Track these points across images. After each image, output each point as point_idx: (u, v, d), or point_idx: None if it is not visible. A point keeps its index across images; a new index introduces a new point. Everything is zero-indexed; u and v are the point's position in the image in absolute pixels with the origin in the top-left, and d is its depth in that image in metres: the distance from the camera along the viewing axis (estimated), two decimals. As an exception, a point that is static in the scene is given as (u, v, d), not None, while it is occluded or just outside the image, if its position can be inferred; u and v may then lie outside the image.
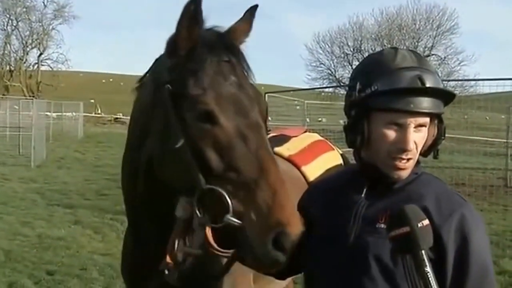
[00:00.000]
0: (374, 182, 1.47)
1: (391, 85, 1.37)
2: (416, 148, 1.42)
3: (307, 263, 1.48)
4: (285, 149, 2.56)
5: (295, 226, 1.31)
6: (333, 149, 2.93)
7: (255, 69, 1.54)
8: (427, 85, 1.36)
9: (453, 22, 35.48)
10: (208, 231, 1.43)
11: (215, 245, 1.43)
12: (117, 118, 39.64)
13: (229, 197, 1.32)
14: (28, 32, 45.20)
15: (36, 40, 45.48)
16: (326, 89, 32.85)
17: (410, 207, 1.24)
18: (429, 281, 1.17)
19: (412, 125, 1.39)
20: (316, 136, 3.03)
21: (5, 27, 44.34)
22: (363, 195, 1.48)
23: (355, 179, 1.52)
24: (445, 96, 1.45)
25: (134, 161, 1.66)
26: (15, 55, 45.81)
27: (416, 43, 35.31)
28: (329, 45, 37.52)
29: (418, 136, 1.41)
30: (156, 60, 1.65)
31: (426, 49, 35.25)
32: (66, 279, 5.10)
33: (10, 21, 44.39)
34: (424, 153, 1.49)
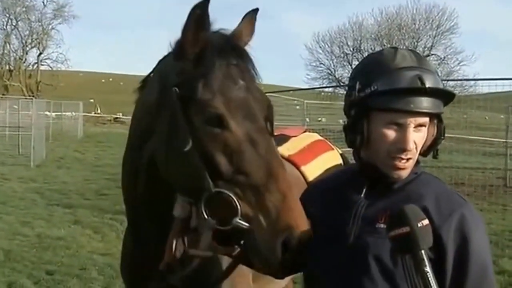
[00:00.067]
0: (374, 182, 1.47)
1: (391, 85, 1.37)
2: (416, 148, 1.42)
3: (306, 262, 1.48)
4: (284, 149, 2.56)
5: (304, 230, 1.31)
6: (333, 149, 2.93)
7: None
8: (427, 85, 1.36)
9: (452, 22, 35.58)
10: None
11: (219, 246, 1.43)
12: (116, 118, 39.64)
13: (237, 200, 1.33)
14: (27, 32, 45.28)
15: (35, 39, 45.49)
16: (326, 89, 32.91)
17: (409, 207, 1.24)
18: (429, 281, 1.17)
19: (412, 125, 1.39)
20: (315, 136, 3.03)
21: (4, 27, 44.42)
22: (362, 195, 1.48)
23: (355, 179, 1.52)
24: (445, 96, 1.45)
25: (135, 160, 1.65)
26: (14, 54, 45.88)
27: (416, 43, 35.34)
28: (329, 45, 37.59)
29: (417, 136, 1.41)
30: (162, 60, 1.64)
31: (426, 49, 35.29)
32: (65, 279, 5.10)
33: (9, 21, 44.46)
34: (423, 153, 1.49)
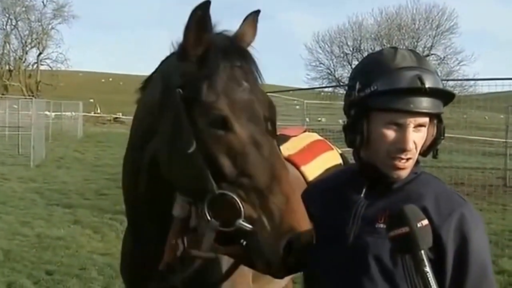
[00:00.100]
0: (374, 182, 1.47)
1: (391, 85, 1.37)
2: (416, 148, 1.42)
3: (306, 262, 1.48)
4: (284, 149, 2.55)
5: (307, 232, 1.31)
6: (333, 149, 2.93)
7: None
8: (427, 85, 1.35)
9: (452, 22, 35.61)
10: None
11: (220, 247, 1.44)
12: (116, 117, 39.64)
13: (241, 202, 1.33)
14: (27, 32, 45.26)
15: (35, 39, 45.48)
16: (326, 89, 32.89)
17: (409, 207, 1.24)
18: (429, 281, 1.17)
19: (412, 125, 1.39)
20: (315, 136, 3.03)
21: (4, 27, 44.40)
22: (362, 195, 1.48)
23: (355, 178, 1.52)
24: (444, 96, 1.44)
25: (137, 160, 1.65)
26: (14, 54, 45.86)
27: (416, 43, 35.35)
28: (329, 44, 37.61)
29: (417, 136, 1.41)
30: (165, 60, 1.64)
31: (426, 49, 35.31)
32: (65, 279, 5.10)
33: (9, 21, 44.44)
34: (423, 153, 1.49)
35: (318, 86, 32.95)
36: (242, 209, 1.32)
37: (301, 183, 2.35)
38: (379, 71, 1.40)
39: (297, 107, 14.13)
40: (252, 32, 1.63)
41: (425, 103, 1.37)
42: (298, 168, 2.49)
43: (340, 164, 2.77)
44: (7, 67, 44.87)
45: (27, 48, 45.74)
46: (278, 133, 2.91)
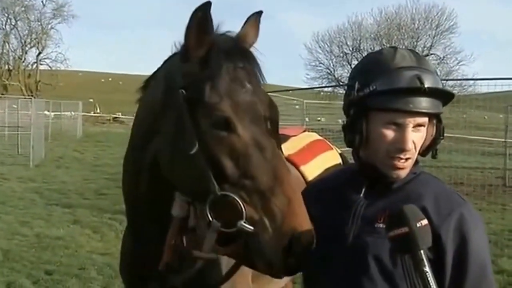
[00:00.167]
0: (373, 181, 1.47)
1: (390, 84, 1.37)
2: (415, 148, 1.42)
3: (309, 265, 1.48)
4: (283, 149, 2.55)
5: (309, 234, 1.31)
6: (332, 149, 2.93)
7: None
8: (426, 85, 1.35)
9: (452, 22, 35.64)
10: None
11: (220, 248, 1.44)
12: (116, 117, 39.64)
13: (242, 203, 1.33)
14: (26, 31, 45.21)
15: (35, 39, 45.44)
16: (325, 89, 32.88)
17: (409, 207, 1.24)
18: (428, 281, 1.17)
19: (411, 125, 1.39)
20: (315, 136, 3.03)
21: (3, 26, 44.36)
22: (362, 194, 1.48)
23: (354, 178, 1.52)
24: (444, 96, 1.44)
25: (138, 161, 1.65)
26: (13, 54, 45.81)
27: (415, 43, 35.37)
28: (328, 44, 37.62)
29: (416, 136, 1.41)
30: (167, 60, 1.63)
31: (425, 48, 35.32)
32: (64, 278, 5.09)
33: (8, 20, 44.41)
34: (422, 153, 1.49)
35: (317, 86, 32.99)
36: (243, 210, 1.32)
37: (301, 183, 2.35)
38: (378, 71, 1.40)
39: (297, 106, 14.14)
40: (254, 33, 1.62)
41: (424, 103, 1.37)
42: (297, 168, 2.49)
43: (340, 164, 2.77)
44: (6, 67, 44.84)
45: (27, 48, 45.74)
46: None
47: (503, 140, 12.32)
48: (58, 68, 45.67)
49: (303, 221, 1.31)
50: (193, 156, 1.37)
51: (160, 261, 1.60)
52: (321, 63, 37.45)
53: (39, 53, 45.58)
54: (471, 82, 19.71)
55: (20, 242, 6.39)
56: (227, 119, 1.37)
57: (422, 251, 1.19)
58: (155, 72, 1.68)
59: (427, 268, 1.18)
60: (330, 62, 37.60)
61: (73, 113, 29.52)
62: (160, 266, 1.60)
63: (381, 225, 1.38)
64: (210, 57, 1.43)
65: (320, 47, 37.50)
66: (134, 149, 1.70)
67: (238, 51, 1.47)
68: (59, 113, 29.50)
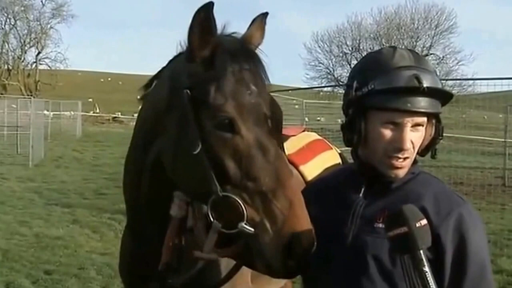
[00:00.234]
0: (372, 181, 1.47)
1: (388, 84, 1.37)
2: (413, 148, 1.42)
3: (310, 267, 1.48)
4: (283, 149, 2.55)
5: (309, 236, 1.31)
6: (331, 148, 2.93)
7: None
8: (424, 84, 1.35)
9: (451, 22, 35.67)
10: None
11: (218, 250, 1.44)
12: (115, 117, 39.63)
13: (244, 205, 1.33)
14: (26, 31, 45.17)
15: (34, 39, 45.41)
16: (325, 88, 32.83)
17: (408, 207, 1.23)
18: (428, 280, 1.17)
19: (409, 125, 1.39)
20: (314, 135, 3.03)
21: (3, 26, 44.33)
22: (361, 194, 1.48)
23: (353, 178, 1.52)
24: (442, 96, 1.44)
25: (140, 160, 1.64)
26: (13, 54, 45.77)
27: (415, 43, 35.39)
28: (328, 44, 37.63)
29: (415, 136, 1.41)
30: (173, 59, 1.63)
31: (425, 48, 35.35)
32: (64, 278, 5.09)
33: (8, 20, 44.37)
34: (421, 153, 1.49)
35: (317, 85, 32.97)
36: (244, 212, 1.32)
37: (300, 182, 2.35)
38: (377, 70, 1.40)
39: (296, 106, 14.14)
40: (260, 34, 1.61)
41: (422, 102, 1.37)
42: (297, 167, 2.48)
43: (339, 163, 2.76)
44: (5, 67, 44.82)
45: (26, 48, 45.70)
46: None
47: (503, 140, 12.34)
48: (58, 68, 45.67)
49: (304, 223, 1.31)
50: (196, 156, 1.36)
51: (159, 261, 1.60)
52: (320, 63, 37.50)
53: (39, 52, 45.61)
54: (471, 82, 19.76)
55: (19, 242, 6.39)
56: (231, 121, 1.37)
57: (421, 251, 1.19)
58: (159, 72, 1.67)
59: (426, 268, 1.18)
60: (330, 62, 37.66)
61: (72, 113, 29.51)
62: (160, 266, 1.60)
63: (380, 225, 1.38)
64: (215, 58, 1.42)
65: (319, 46, 37.56)
66: (136, 149, 1.69)
67: (244, 53, 1.47)
68: (58, 113, 29.47)
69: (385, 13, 37.28)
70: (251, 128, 1.38)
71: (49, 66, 45.78)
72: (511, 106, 12.02)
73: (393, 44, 27.97)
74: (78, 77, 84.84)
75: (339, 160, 2.82)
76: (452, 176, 9.90)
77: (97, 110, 43.08)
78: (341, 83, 30.73)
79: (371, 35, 37.12)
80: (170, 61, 1.64)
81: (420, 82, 1.35)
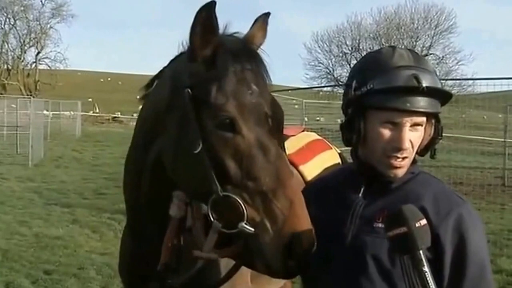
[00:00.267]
0: (371, 181, 1.47)
1: (387, 83, 1.37)
2: (412, 147, 1.42)
3: (310, 267, 1.48)
4: (282, 148, 2.55)
5: (309, 236, 1.31)
6: (331, 148, 2.93)
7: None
8: (423, 84, 1.35)
9: (451, 22, 35.67)
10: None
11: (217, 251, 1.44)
12: (115, 117, 39.59)
13: (244, 205, 1.33)
14: (25, 31, 45.17)
15: (34, 38, 45.41)
16: (324, 88, 32.83)
17: (408, 207, 1.23)
18: (427, 281, 1.17)
19: (408, 124, 1.39)
20: (313, 135, 3.03)
21: (2, 26, 44.33)
22: (360, 194, 1.48)
23: (353, 178, 1.52)
24: (442, 96, 1.44)
25: (140, 160, 1.64)
26: (12, 53, 45.78)
27: (414, 43, 35.40)
28: (328, 44, 37.64)
29: (414, 135, 1.41)
30: (174, 59, 1.62)
31: (424, 48, 35.36)
32: (63, 278, 5.09)
33: (7, 20, 44.37)
34: (421, 153, 1.49)
35: (316, 85, 32.97)
36: (245, 211, 1.32)
37: (300, 182, 2.35)
38: (376, 70, 1.40)
39: (296, 106, 14.14)
40: (262, 34, 1.61)
41: (421, 102, 1.37)
42: (296, 167, 2.48)
43: (339, 163, 2.76)
44: (5, 66, 44.81)
45: (26, 47, 45.70)
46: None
47: (502, 140, 12.35)
48: (57, 68, 45.68)
49: (304, 223, 1.31)
50: (196, 156, 1.36)
51: (159, 261, 1.60)
52: (320, 62, 37.51)
53: (38, 52, 45.62)
54: (470, 81, 19.75)
55: (19, 241, 6.39)
56: (232, 120, 1.36)
57: (421, 251, 1.19)
58: (160, 71, 1.67)
59: (426, 268, 1.18)
60: (329, 61, 37.67)
61: (72, 112, 29.50)
62: (158, 267, 1.60)
63: (379, 225, 1.38)
64: (217, 58, 1.42)
65: (319, 46, 37.56)
66: (136, 148, 1.69)
67: (245, 53, 1.47)
68: (58, 112, 29.45)
69: (385, 13, 37.32)
70: (252, 128, 1.38)
71: (48, 66, 45.82)
72: (511, 106, 12.03)
73: (392, 44, 28.00)
74: (78, 77, 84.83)
75: (338, 160, 2.82)
76: (451, 176, 9.90)
77: (97, 110, 43.05)
78: (340, 83, 30.72)
79: (371, 35, 37.15)
80: (171, 61, 1.63)
81: (419, 81, 1.35)
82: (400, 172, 1.43)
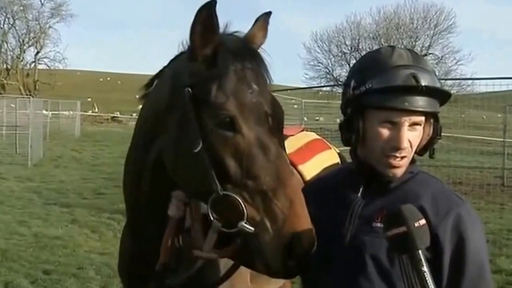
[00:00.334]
0: (370, 180, 1.47)
1: (386, 82, 1.37)
2: (411, 147, 1.42)
3: (310, 267, 1.48)
4: (282, 148, 2.55)
5: (309, 236, 1.31)
6: (330, 148, 2.92)
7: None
8: (422, 83, 1.35)
9: (450, 22, 35.75)
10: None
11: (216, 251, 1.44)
12: (114, 117, 39.54)
13: (244, 204, 1.33)
14: (25, 31, 45.14)
15: (33, 38, 45.39)
16: (324, 88, 32.79)
17: (407, 206, 1.23)
18: (426, 280, 1.17)
19: (407, 124, 1.38)
20: (313, 135, 3.02)
21: (1, 25, 44.29)
22: (359, 194, 1.48)
23: (352, 177, 1.52)
24: (440, 95, 1.44)
25: (140, 160, 1.64)
26: (12, 53, 45.74)
27: (414, 42, 35.45)
28: (327, 44, 37.71)
29: (412, 135, 1.41)
30: (174, 59, 1.62)
31: (424, 48, 35.41)
32: (63, 278, 5.09)
33: (6, 19, 44.34)
34: (420, 152, 1.49)
35: (316, 85, 32.96)
36: (245, 211, 1.32)
37: (300, 182, 2.35)
38: (375, 69, 1.40)
39: (295, 106, 14.14)
40: (263, 33, 1.61)
41: (420, 101, 1.37)
42: (295, 167, 2.48)
43: (338, 163, 2.76)
44: (4, 66, 44.77)
45: (25, 47, 45.67)
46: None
47: (502, 139, 12.36)
48: (57, 68, 45.65)
49: (304, 223, 1.31)
50: (196, 155, 1.36)
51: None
52: (319, 62, 37.57)
53: (37, 52, 45.58)
54: (470, 81, 19.77)
55: (18, 241, 6.38)
56: (232, 119, 1.36)
57: (420, 251, 1.19)
58: (160, 71, 1.67)
59: (425, 268, 1.18)
60: (329, 61, 37.74)
61: (71, 112, 29.48)
62: (157, 267, 1.59)
63: (378, 225, 1.38)
64: (217, 57, 1.42)
65: (318, 46, 37.62)
66: (136, 148, 1.69)
67: (246, 52, 1.47)
68: (57, 112, 29.42)
69: (384, 13, 37.40)
70: (252, 127, 1.38)
71: (48, 66, 45.78)
72: (510, 106, 12.05)
73: (392, 44, 28.01)
74: (77, 76, 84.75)
75: (337, 160, 2.82)
76: (451, 175, 9.90)
77: (96, 110, 43.01)
78: (340, 82, 30.70)
79: (370, 35, 37.21)
80: (172, 61, 1.64)
81: (417, 81, 1.35)
82: (399, 172, 1.43)
